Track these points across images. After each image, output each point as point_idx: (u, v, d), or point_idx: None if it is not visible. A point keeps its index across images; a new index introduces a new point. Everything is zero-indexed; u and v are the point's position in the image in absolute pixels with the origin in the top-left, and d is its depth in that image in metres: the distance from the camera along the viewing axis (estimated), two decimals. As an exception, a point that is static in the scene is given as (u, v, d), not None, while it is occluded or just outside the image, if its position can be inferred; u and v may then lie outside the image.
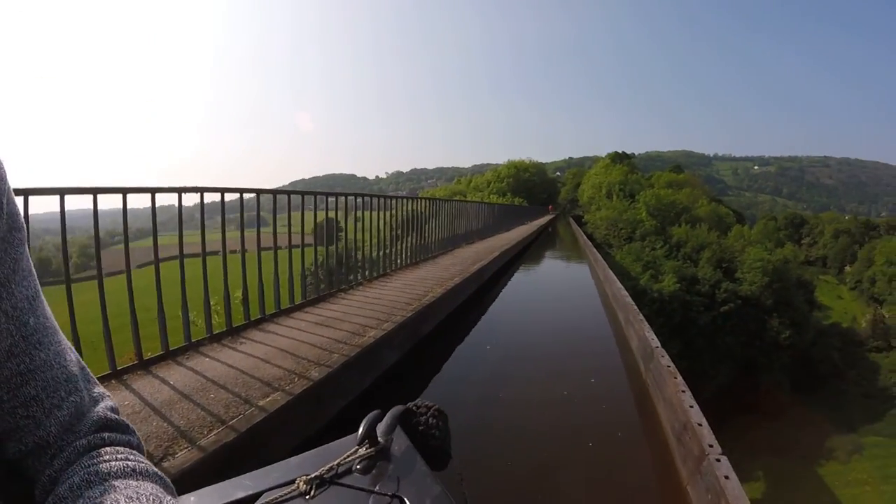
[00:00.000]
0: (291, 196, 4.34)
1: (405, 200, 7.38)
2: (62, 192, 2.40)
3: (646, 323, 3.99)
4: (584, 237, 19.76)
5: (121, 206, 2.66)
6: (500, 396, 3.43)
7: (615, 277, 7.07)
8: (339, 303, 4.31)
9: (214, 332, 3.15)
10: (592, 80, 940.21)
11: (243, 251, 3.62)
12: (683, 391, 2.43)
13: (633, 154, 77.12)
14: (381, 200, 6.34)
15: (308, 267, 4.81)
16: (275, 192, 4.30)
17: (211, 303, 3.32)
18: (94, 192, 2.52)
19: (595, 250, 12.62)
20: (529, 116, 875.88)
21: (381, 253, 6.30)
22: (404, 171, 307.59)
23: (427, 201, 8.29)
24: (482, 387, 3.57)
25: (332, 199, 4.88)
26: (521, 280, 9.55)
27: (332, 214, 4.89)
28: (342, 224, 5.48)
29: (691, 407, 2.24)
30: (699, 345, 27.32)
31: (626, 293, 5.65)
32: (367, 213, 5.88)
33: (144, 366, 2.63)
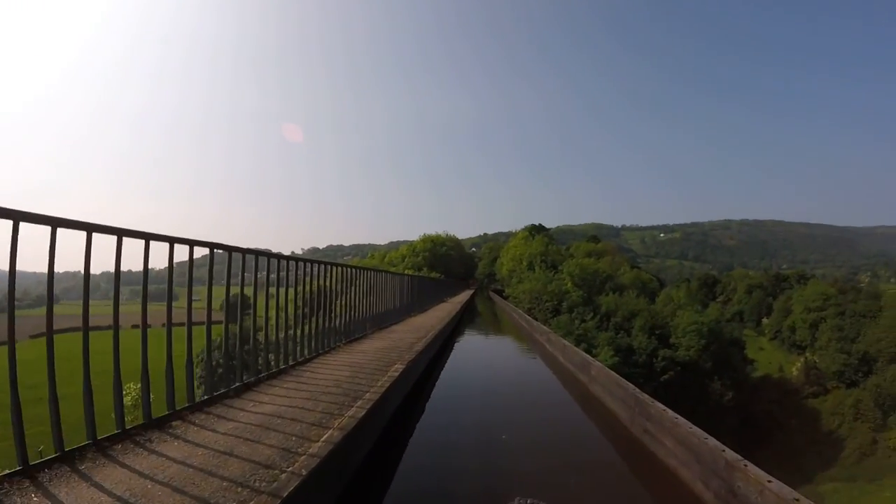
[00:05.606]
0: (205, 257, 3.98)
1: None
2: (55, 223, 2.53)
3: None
4: (523, 315, 19.34)
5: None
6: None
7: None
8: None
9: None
10: (494, 159, 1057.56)
11: (144, 326, 3.33)
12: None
13: (549, 228, 77.18)
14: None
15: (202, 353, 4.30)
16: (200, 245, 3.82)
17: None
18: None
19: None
20: (440, 195, 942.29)
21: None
22: (321, 248, 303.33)
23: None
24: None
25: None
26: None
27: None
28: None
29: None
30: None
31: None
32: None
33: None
